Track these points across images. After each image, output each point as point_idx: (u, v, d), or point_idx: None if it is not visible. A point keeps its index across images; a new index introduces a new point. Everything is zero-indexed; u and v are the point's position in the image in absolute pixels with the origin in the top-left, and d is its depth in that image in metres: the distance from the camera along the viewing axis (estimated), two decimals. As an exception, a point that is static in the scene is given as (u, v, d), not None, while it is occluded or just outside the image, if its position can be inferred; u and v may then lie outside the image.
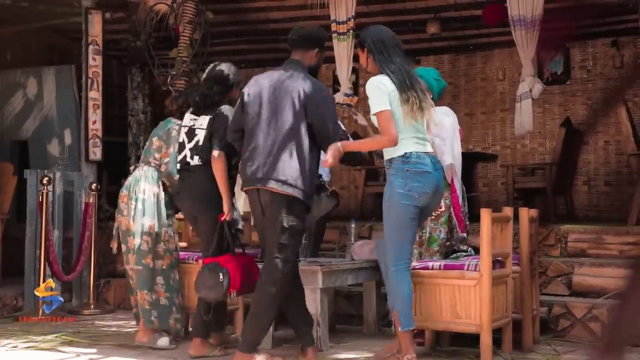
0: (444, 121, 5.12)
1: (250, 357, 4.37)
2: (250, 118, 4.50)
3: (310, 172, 4.43)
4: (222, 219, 4.75)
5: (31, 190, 6.95)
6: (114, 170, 8.62)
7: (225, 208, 4.75)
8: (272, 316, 4.51)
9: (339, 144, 4.32)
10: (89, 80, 7.90)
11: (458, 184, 5.17)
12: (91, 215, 7.02)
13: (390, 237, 4.34)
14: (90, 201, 7.08)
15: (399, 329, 4.28)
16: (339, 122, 4.77)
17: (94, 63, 7.92)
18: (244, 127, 4.54)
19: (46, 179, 6.75)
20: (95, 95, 7.92)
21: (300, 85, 4.45)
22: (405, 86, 4.27)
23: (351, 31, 7.44)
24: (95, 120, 7.92)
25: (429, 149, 4.34)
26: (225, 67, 5.08)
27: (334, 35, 7.52)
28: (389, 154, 4.33)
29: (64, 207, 7.19)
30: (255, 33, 9.76)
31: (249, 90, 4.57)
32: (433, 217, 4.98)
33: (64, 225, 7.17)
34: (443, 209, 5.02)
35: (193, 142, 4.92)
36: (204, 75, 5.13)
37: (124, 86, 9.05)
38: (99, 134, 7.93)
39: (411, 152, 4.25)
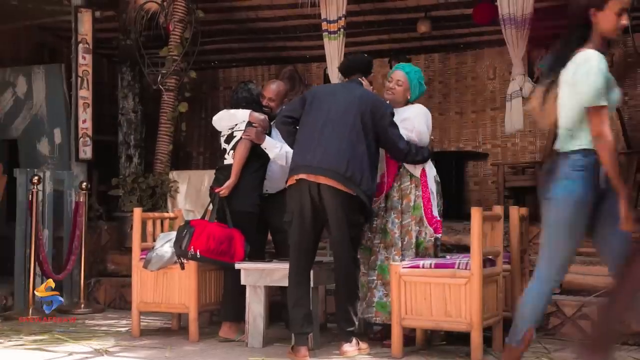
0: (414, 119, 5.10)
1: (357, 341, 4.77)
2: (315, 114, 4.78)
3: (368, 173, 4.69)
4: (217, 191, 5.35)
5: (21, 190, 6.93)
6: (105, 169, 8.59)
7: (227, 185, 5.31)
8: (359, 299, 4.91)
9: None
10: (79, 79, 7.87)
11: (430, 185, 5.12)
12: (81, 214, 7.00)
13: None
14: (81, 200, 7.06)
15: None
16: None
17: (84, 62, 7.89)
18: (295, 116, 4.89)
19: (36, 178, 6.73)
20: (85, 94, 7.89)
21: (363, 93, 4.86)
22: None
23: (342, 30, 7.43)
24: (85, 119, 7.89)
25: None
26: (253, 88, 5.70)
27: (324, 34, 7.51)
28: None
29: (54, 206, 7.17)
30: (245, 32, 9.74)
31: (312, 91, 5.06)
32: (417, 221, 4.96)
33: (54, 225, 7.14)
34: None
35: (231, 144, 5.48)
36: (235, 95, 5.69)
37: (114, 85, 9.02)
38: (89, 132, 7.91)
39: None
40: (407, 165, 5.02)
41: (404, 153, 4.89)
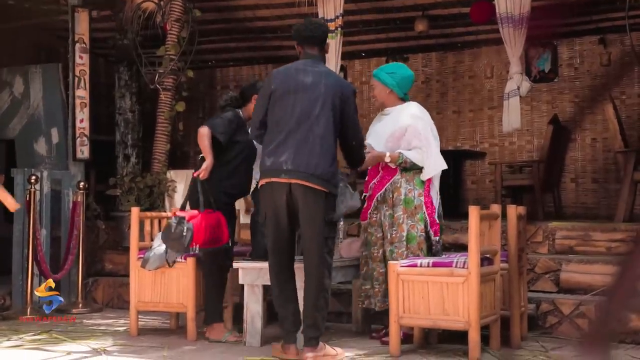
0: (417, 125, 5.11)
1: (323, 347, 4.55)
2: (280, 111, 4.56)
3: (336, 166, 4.60)
4: (196, 174, 5.18)
5: (18, 189, 6.92)
6: (102, 169, 8.59)
7: (204, 166, 5.14)
8: (328, 305, 4.63)
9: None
10: (76, 79, 7.87)
11: (435, 185, 5.15)
12: (79, 213, 7.00)
13: None
14: (78, 200, 7.06)
15: None
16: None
17: (81, 61, 7.88)
18: (267, 121, 4.64)
19: (33, 177, 6.73)
20: (82, 93, 7.88)
21: (330, 80, 4.60)
22: None
23: (339, 29, 7.43)
24: (82, 118, 7.89)
25: None
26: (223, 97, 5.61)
27: (322, 33, 7.51)
28: None
29: (52, 206, 7.17)
30: (243, 31, 9.74)
31: (275, 86, 4.61)
32: (409, 214, 4.99)
33: (51, 224, 7.14)
34: (417, 204, 5.02)
35: None
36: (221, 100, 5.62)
37: (112, 84, 9.02)
38: (87, 132, 7.90)
39: None
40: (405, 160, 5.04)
41: (360, 139, 4.75)
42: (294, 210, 4.54)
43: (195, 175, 5.24)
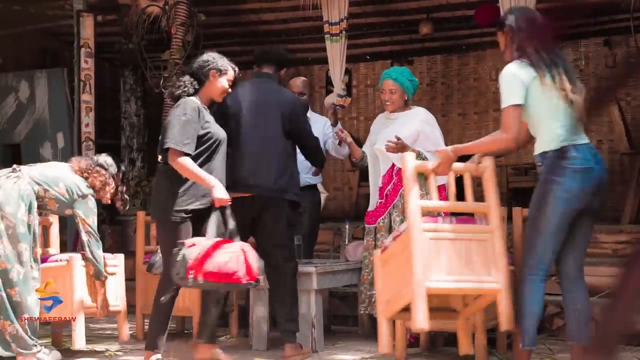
0: (427, 130, 5.13)
1: (298, 347, 4.70)
2: (233, 126, 4.75)
3: (295, 172, 4.86)
4: (220, 204, 4.28)
5: (24, 194, 6.92)
6: (108, 173, 8.59)
7: (218, 194, 4.25)
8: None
9: (449, 148, 4.01)
10: (82, 83, 7.88)
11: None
12: (85, 218, 6.98)
13: (536, 240, 3.98)
14: (84, 204, 7.05)
15: (520, 346, 3.98)
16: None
17: (86, 66, 7.90)
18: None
19: (39, 182, 6.72)
20: (87, 98, 7.90)
21: (279, 95, 4.90)
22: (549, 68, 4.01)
23: (344, 32, 7.43)
24: (88, 123, 7.90)
25: (586, 139, 3.94)
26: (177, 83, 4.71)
27: (326, 36, 7.52)
28: (540, 147, 4.04)
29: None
30: (247, 35, 9.75)
31: (227, 102, 4.82)
32: None
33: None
34: None
35: None
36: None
37: (117, 89, 9.04)
38: (92, 136, 7.92)
39: (568, 145, 3.87)
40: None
41: (317, 145, 5.05)
42: (255, 221, 4.74)
43: (219, 205, 4.28)
